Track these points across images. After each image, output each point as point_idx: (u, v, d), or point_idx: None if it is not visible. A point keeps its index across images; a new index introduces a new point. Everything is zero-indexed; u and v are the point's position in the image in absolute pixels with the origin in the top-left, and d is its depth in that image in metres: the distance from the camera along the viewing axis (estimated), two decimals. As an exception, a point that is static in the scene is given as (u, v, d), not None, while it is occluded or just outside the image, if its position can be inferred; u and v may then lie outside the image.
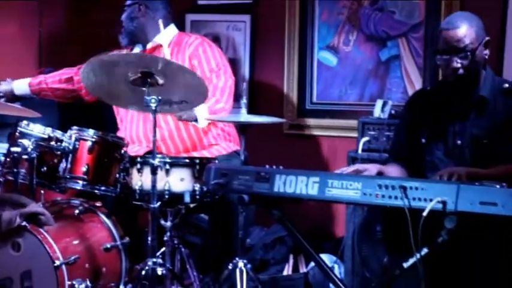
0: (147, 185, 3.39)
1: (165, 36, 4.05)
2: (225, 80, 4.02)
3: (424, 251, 2.60)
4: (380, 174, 3.11)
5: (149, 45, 4.09)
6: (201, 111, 3.76)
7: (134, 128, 4.03)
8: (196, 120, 3.79)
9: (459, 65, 3.13)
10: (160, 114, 3.83)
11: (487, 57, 3.20)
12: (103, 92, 3.53)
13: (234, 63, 4.73)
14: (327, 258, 4.09)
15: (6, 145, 3.48)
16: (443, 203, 2.52)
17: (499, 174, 2.90)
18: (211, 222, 4.01)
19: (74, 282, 3.19)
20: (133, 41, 4.12)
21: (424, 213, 2.50)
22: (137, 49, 4.13)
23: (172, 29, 4.15)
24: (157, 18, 4.04)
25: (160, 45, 4.02)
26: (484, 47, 3.17)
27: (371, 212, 3.68)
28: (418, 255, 2.59)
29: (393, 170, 3.30)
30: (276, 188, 2.86)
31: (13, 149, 3.31)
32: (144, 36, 4.09)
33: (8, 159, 3.36)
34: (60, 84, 4.29)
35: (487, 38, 3.18)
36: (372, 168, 3.14)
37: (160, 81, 3.31)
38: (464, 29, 3.11)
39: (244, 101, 3.58)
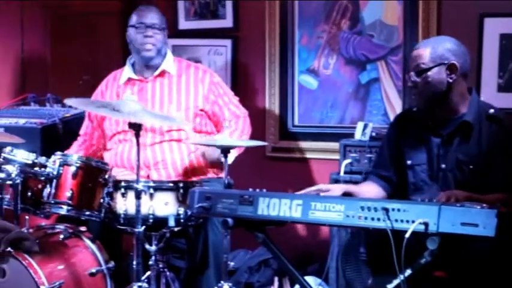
0: (132, 210, 3.40)
1: (170, 62, 4.01)
2: (244, 111, 4.10)
3: (408, 272, 2.62)
4: (347, 194, 3.15)
5: (157, 72, 3.98)
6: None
7: (126, 153, 3.95)
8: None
9: (411, 82, 3.24)
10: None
11: (451, 80, 3.19)
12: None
13: (216, 88, 4.75)
14: (311, 280, 4.11)
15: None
16: (426, 224, 2.54)
17: (496, 201, 2.89)
18: (189, 245, 3.96)
19: (59, 307, 3.19)
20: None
21: (407, 235, 2.53)
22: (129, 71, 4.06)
23: (171, 55, 4.08)
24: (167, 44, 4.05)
25: (166, 72, 3.98)
26: (448, 70, 3.19)
27: (355, 234, 3.70)
28: (401, 277, 2.61)
29: (367, 190, 3.34)
30: (259, 211, 2.88)
31: (-3, 175, 3.32)
32: (159, 62, 4.01)
33: (-8, 185, 3.36)
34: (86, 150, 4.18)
35: (452, 62, 3.18)
36: (336, 189, 3.19)
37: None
38: (421, 50, 3.22)
39: (226, 124, 3.61)
